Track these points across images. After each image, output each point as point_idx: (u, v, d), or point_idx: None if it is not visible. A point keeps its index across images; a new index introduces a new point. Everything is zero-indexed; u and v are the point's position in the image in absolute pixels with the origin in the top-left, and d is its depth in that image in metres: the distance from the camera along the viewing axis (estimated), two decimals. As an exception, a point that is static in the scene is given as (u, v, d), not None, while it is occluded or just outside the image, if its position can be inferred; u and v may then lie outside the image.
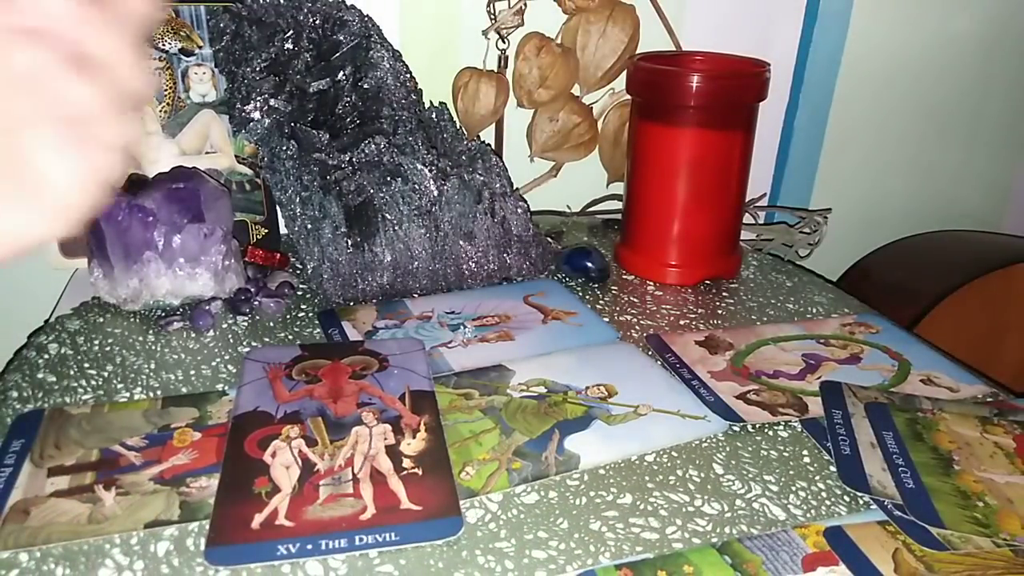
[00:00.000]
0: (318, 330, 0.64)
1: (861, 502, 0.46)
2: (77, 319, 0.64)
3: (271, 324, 0.64)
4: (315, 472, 0.46)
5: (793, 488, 0.47)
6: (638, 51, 0.83)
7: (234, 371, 0.57)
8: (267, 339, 0.62)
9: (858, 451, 0.49)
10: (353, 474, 0.45)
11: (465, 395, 0.54)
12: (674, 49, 0.86)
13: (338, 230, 0.67)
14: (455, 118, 0.79)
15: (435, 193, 0.69)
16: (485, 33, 0.82)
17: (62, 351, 0.59)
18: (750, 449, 0.50)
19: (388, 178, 0.68)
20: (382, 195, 0.68)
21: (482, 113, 0.82)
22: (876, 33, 0.96)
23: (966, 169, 1.09)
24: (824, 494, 0.46)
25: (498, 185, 0.72)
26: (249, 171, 0.75)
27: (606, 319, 0.67)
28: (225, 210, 0.67)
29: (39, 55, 0.23)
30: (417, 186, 0.68)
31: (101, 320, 0.64)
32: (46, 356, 0.59)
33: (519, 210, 0.72)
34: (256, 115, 0.69)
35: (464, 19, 0.82)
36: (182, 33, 0.71)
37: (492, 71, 0.82)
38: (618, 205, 0.84)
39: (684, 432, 0.51)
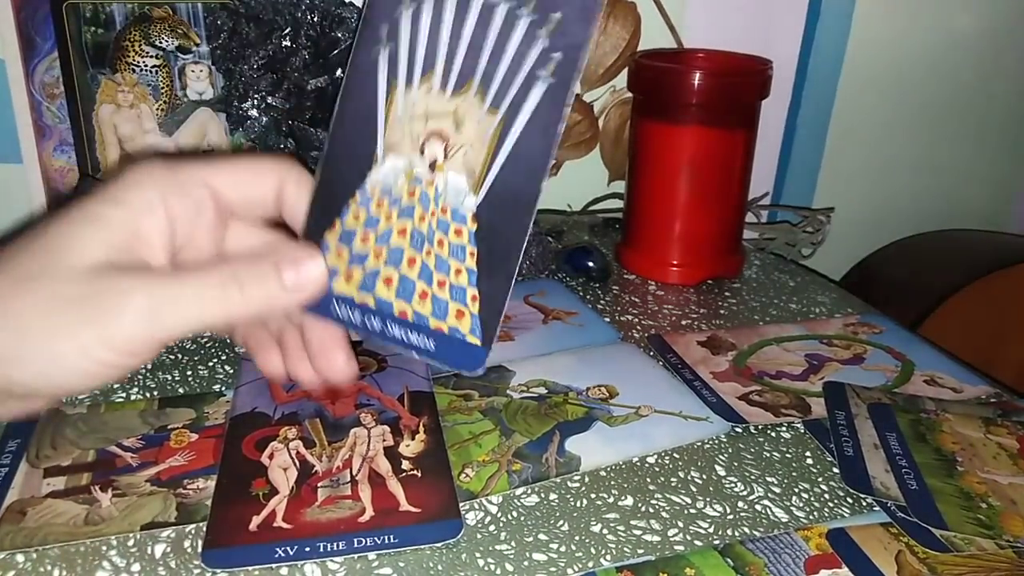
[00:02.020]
0: (317, 330, 0.63)
1: (864, 504, 0.45)
2: (75, 318, 0.64)
3: (270, 324, 0.64)
4: (313, 474, 0.45)
5: (796, 490, 0.46)
6: (639, 48, 0.83)
7: (231, 372, 0.57)
8: (266, 339, 0.61)
9: (861, 452, 0.48)
10: (351, 476, 0.45)
11: (464, 396, 0.54)
12: (676, 46, 0.86)
13: (337, 229, 0.67)
14: (455, 116, 0.79)
15: (435, 192, 0.68)
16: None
17: (59, 351, 0.59)
18: (752, 450, 0.50)
19: (388, 177, 0.68)
20: (381, 194, 0.67)
21: (482, 111, 0.81)
22: (879, 31, 0.95)
23: (970, 168, 1.09)
24: (827, 496, 0.46)
25: (498, 184, 0.71)
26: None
27: (607, 319, 0.66)
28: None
29: None
30: (417, 185, 0.68)
31: (99, 320, 0.64)
32: (43, 356, 0.58)
33: (519, 209, 0.72)
34: (254, 113, 0.69)
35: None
36: (179, 31, 0.70)
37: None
38: (619, 204, 0.83)
39: (686, 433, 0.51)
